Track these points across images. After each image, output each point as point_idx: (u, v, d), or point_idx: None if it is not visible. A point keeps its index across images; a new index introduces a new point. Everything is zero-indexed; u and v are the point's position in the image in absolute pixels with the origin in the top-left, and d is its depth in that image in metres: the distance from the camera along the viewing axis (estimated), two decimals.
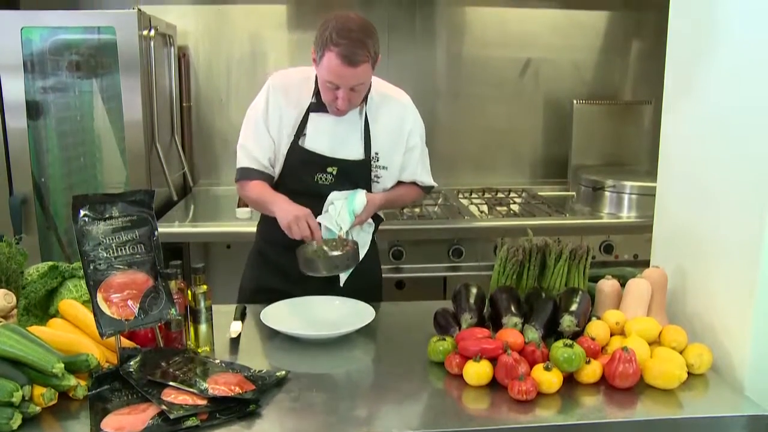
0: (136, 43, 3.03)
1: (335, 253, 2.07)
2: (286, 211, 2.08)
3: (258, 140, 2.23)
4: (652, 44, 3.89)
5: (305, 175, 2.22)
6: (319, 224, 2.11)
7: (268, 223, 2.32)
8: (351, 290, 2.21)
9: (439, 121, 3.93)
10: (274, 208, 2.14)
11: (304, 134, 2.21)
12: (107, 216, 1.65)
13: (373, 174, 2.27)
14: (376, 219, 2.40)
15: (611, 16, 3.95)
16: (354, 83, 2.04)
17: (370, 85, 2.21)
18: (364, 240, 2.31)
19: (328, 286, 2.22)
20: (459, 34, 3.88)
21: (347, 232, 2.14)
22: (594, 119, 3.89)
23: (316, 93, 2.19)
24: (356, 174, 2.24)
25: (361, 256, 2.23)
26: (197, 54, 3.78)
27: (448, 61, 3.90)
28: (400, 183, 2.36)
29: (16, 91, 3.05)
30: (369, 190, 2.26)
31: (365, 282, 2.34)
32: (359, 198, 2.17)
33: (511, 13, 3.86)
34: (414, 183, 2.39)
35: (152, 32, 3.13)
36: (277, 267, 2.33)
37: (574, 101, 3.87)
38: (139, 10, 3.05)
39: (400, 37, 3.82)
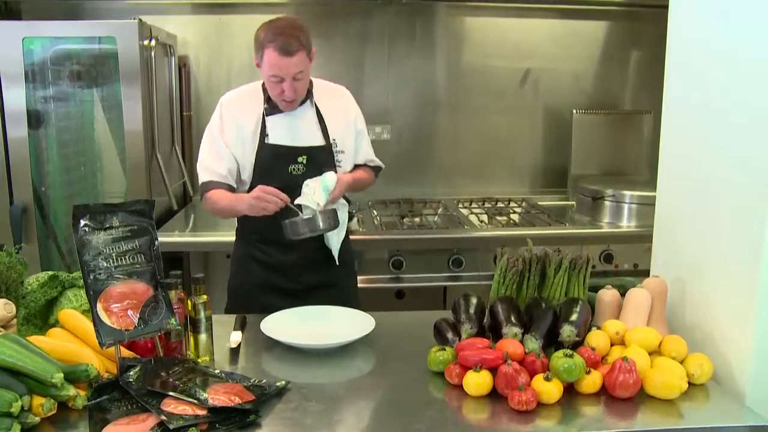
0: (136, 53, 3.04)
1: (317, 215, 2.26)
2: (247, 199, 2.25)
3: (216, 155, 2.40)
4: (651, 54, 3.90)
5: (278, 169, 2.37)
6: (299, 206, 2.28)
7: (242, 222, 2.53)
8: (336, 270, 2.50)
9: (439, 131, 3.95)
10: (239, 206, 2.32)
11: (267, 134, 2.37)
12: (107, 226, 1.65)
13: (335, 159, 2.44)
14: (347, 201, 2.58)
15: (610, 26, 3.97)
16: (294, 71, 2.23)
17: (312, 83, 2.42)
18: (341, 218, 2.45)
19: (314, 270, 2.44)
20: (459, 44, 3.90)
21: (325, 207, 2.29)
22: (594, 129, 3.90)
23: (267, 99, 2.39)
24: (323, 160, 2.41)
25: (341, 237, 2.49)
26: (197, 63, 3.79)
27: (448, 71, 3.91)
28: (356, 166, 2.57)
29: (17, 100, 3.07)
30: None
31: (344, 261, 2.54)
32: (330, 176, 2.33)
33: (510, 23, 3.87)
34: (366, 165, 2.61)
35: (153, 42, 3.14)
36: (262, 262, 2.48)
37: (574, 111, 3.88)
38: (140, 20, 3.06)
39: (400, 47, 3.84)
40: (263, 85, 2.38)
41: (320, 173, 2.34)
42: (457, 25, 3.89)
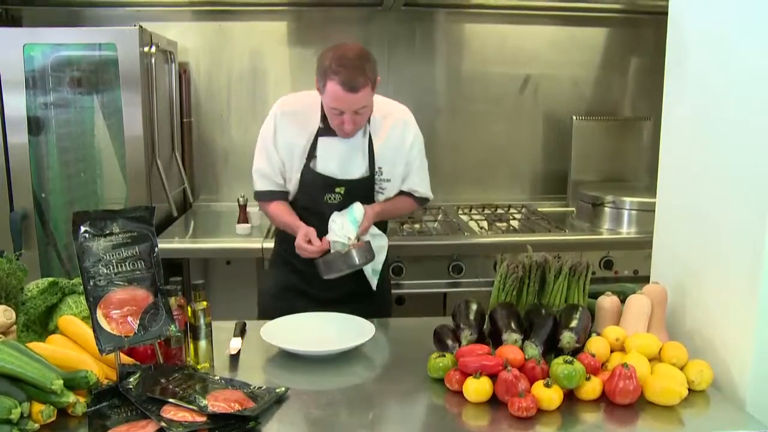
0: (137, 60, 3.05)
1: (352, 250, 2.16)
2: (299, 235, 2.23)
3: (271, 162, 2.36)
4: (651, 60, 3.90)
5: (316, 195, 2.35)
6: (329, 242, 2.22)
7: (280, 230, 2.48)
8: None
9: (438, 137, 3.95)
10: (294, 233, 2.29)
11: (315, 156, 2.32)
12: (107, 232, 1.65)
13: (377, 186, 2.38)
14: (382, 227, 2.49)
15: (610, 32, 3.97)
16: (357, 107, 2.15)
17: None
18: (380, 244, 2.40)
19: (350, 280, 2.31)
20: (458, 50, 3.90)
21: (357, 240, 2.22)
22: (593, 135, 3.90)
23: (323, 117, 2.28)
24: (360, 192, 2.34)
25: (378, 268, 2.41)
26: (198, 70, 3.80)
27: (448, 78, 3.92)
28: (400, 192, 2.47)
29: (17, 106, 3.07)
30: (373, 201, 2.37)
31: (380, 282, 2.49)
32: (357, 208, 2.27)
33: (510, 29, 3.88)
34: (410, 194, 2.48)
35: (153, 49, 3.15)
36: (295, 267, 2.44)
37: (574, 117, 3.88)
38: (140, 26, 3.07)
39: (400, 53, 3.84)
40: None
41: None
42: (457, 31, 3.90)
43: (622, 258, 3.21)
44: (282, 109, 2.36)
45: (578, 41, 3.94)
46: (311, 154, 2.32)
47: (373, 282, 2.43)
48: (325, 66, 2.11)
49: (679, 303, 1.92)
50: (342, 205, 2.31)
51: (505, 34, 3.88)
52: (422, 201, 2.55)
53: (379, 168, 2.36)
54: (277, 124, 2.34)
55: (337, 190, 2.33)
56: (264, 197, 2.42)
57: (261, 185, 2.40)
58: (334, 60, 2.10)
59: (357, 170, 2.34)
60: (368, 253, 2.18)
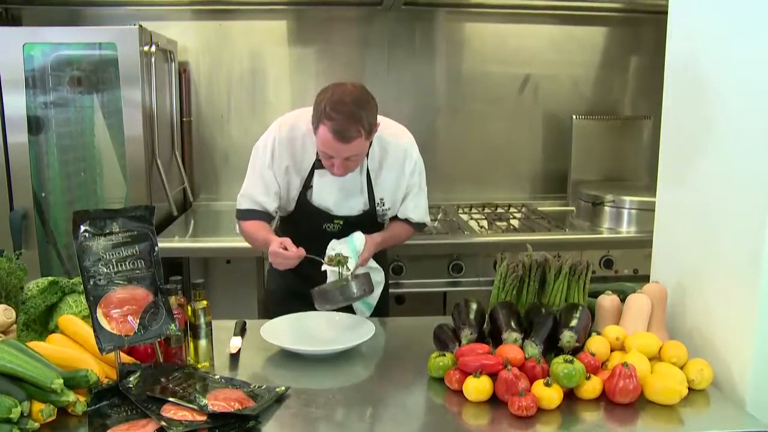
0: (137, 59, 3.05)
1: (350, 281, 2.06)
2: (271, 250, 2.10)
3: (266, 188, 2.27)
4: (650, 59, 3.90)
5: (314, 223, 2.30)
6: (326, 272, 2.14)
7: (283, 229, 2.42)
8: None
9: (438, 137, 3.95)
10: (266, 251, 2.18)
11: (311, 186, 2.26)
12: (107, 231, 1.65)
13: (379, 214, 2.35)
14: (382, 262, 2.44)
15: (610, 31, 3.97)
16: (348, 155, 2.06)
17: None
18: (377, 278, 2.33)
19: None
20: (458, 50, 3.90)
21: (355, 272, 2.14)
22: (593, 134, 3.90)
23: None
24: (363, 222, 2.30)
25: (373, 304, 2.33)
26: (198, 69, 3.80)
27: (448, 77, 3.92)
28: (393, 220, 2.42)
29: (17, 106, 3.07)
30: (377, 229, 2.34)
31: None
32: (358, 237, 2.21)
33: (510, 29, 3.88)
34: (406, 221, 2.43)
35: (153, 48, 3.15)
36: (299, 272, 2.31)
37: (574, 117, 3.88)
38: (140, 26, 3.07)
39: (400, 52, 3.84)
40: None
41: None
42: (457, 31, 3.90)
43: (622, 257, 3.21)
44: (280, 135, 2.26)
45: (578, 40, 3.94)
46: (307, 185, 2.26)
47: (363, 315, 2.34)
48: (320, 108, 2.01)
49: (679, 302, 1.92)
50: (342, 234, 2.24)
51: (505, 33, 3.88)
52: (419, 226, 2.48)
53: (381, 199, 2.32)
54: (276, 152, 2.25)
55: (336, 221, 2.29)
56: (244, 216, 2.32)
57: (247, 205, 2.31)
58: (329, 104, 1.99)
59: (355, 207, 2.30)
60: (367, 286, 2.07)
